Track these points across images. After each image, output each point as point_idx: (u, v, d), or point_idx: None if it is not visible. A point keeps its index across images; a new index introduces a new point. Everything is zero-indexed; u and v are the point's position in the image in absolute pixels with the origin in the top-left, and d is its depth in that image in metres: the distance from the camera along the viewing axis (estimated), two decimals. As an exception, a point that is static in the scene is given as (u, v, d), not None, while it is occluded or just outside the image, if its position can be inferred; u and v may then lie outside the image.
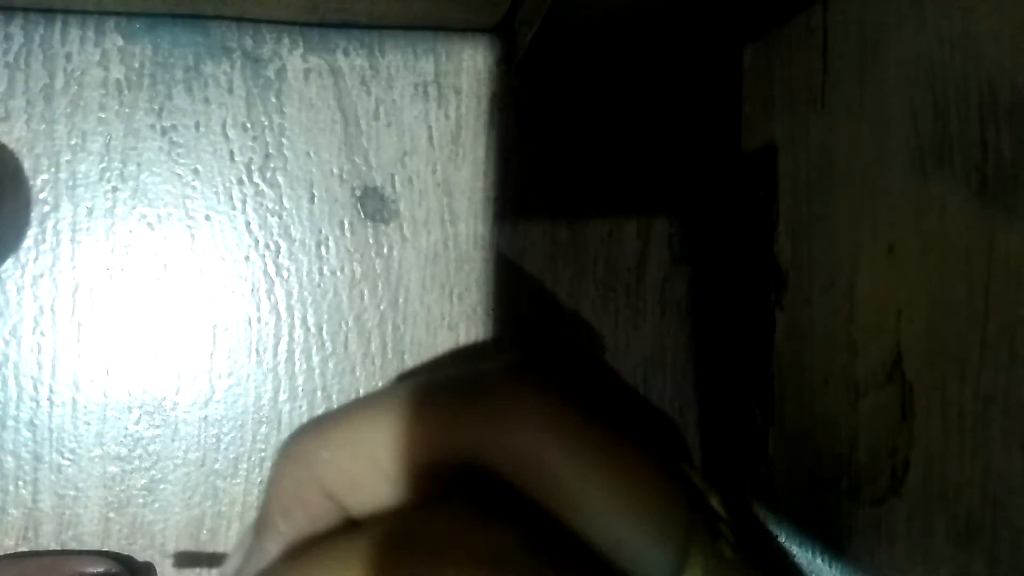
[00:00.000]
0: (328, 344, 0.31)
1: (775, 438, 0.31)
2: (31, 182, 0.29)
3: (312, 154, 0.31)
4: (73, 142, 0.29)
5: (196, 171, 0.30)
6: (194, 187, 0.30)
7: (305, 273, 0.31)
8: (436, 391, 0.17)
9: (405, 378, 0.30)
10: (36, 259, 0.29)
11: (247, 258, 0.31)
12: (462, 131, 0.32)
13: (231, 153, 0.30)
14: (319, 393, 0.31)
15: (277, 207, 0.31)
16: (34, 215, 0.29)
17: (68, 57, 0.29)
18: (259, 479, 0.31)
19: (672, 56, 0.33)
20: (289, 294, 0.31)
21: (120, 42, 0.29)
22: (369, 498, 0.17)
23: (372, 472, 0.17)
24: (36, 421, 0.30)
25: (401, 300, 0.31)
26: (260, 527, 0.19)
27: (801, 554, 0.29)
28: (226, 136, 0.30)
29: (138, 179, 0.30)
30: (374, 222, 0.31)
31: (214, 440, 0.31)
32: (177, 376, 0.31)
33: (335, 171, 0.31)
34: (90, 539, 0.30)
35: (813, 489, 0.28)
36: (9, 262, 0.29)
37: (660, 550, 0.16)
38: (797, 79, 0.29)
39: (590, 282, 0.33)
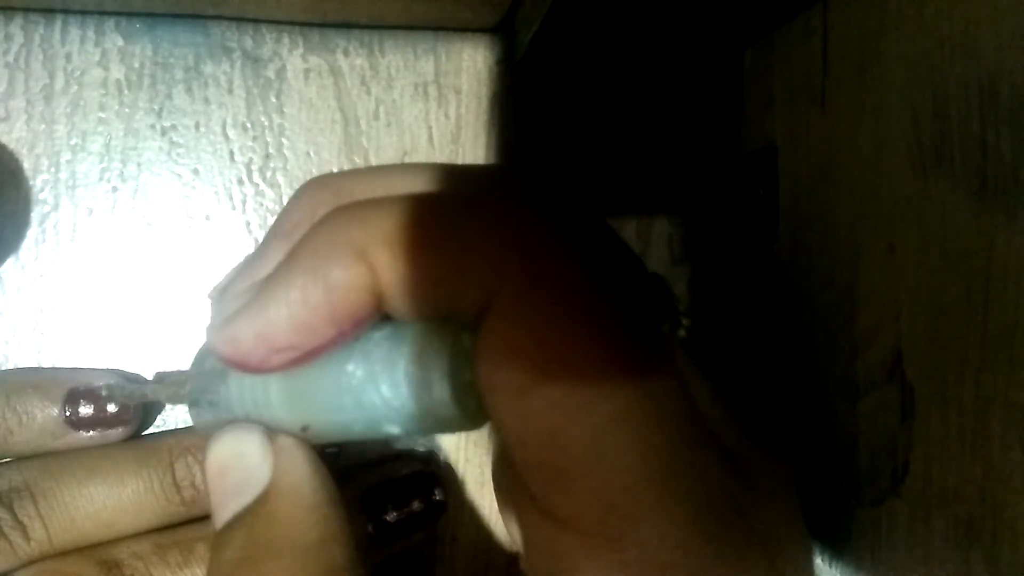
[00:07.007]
0: (328, 344, 0.31)
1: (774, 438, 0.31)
2: (31, 182, 0.29)
3: (312, 154, 0.31)
4: (73, 142, 0.29)
5: (196, 171, 0.30)
6: (194, 187, 0.30)
7: (305, 273, 0.31)
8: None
9: None
10: (36, 259, 0.29)
11: (247, 258, 0.31)
12: (462, 131, 0.32)
13: (231, 153, 0.30)
14: (319, 393, 0.31)
15: (277, 207, 0.31)
16: (34, 215, 0.29)
17: (68, 57, 0.29)
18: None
19: (672, 56, 0.33)
20: (289, 294, 0.31)
21: (120, 42, 0.29)
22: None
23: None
24: (36, 421, 0.30)
25: (401, 300, 0.31)
26: (265, 239, 0.20)
27: (801, 554, 0.29)
28: (226, 136, 0.30)
29: (138, 179, 0.30)
30: (374, 222, 0.31)
31: (214, 440, 0.31)
32: (177, 376, 0.30)
33: (335, 171, 0.31)
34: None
35: (813, 489, 0.28)
36: (9, 262, 0.29)
37: None
38: (797, 79, 0.29)
39: (590, 282, 0.33)
